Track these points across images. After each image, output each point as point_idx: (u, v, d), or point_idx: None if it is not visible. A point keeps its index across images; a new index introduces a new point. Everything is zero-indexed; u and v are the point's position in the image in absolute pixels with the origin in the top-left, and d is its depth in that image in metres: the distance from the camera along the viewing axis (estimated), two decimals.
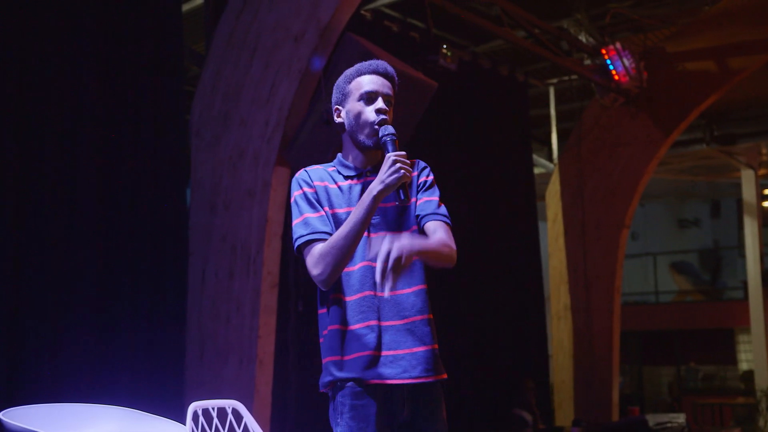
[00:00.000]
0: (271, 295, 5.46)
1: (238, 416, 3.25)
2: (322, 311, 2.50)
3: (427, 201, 2.56)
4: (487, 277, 8.56)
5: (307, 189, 2.48)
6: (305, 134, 5.30)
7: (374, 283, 2.36)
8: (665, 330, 15.41)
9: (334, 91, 2.59)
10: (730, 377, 15.54)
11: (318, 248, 2.38)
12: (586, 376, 9.44)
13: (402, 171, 2.32)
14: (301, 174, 2.52)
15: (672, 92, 8.91)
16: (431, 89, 5.51)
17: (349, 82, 2.53)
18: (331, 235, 2.40)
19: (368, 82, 2.50)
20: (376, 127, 2.46)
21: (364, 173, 2.53)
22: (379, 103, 2.48)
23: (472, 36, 8.57)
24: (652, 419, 7.64)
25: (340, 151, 2.61)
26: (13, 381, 4.57)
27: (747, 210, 13.24)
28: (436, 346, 2.49)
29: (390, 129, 2.44)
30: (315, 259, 2.38)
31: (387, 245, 2.23)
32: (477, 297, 8.38)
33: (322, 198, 2.48)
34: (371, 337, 2.38)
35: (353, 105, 2.50)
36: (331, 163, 2.59)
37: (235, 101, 5.61)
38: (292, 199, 2.50)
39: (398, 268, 2.23)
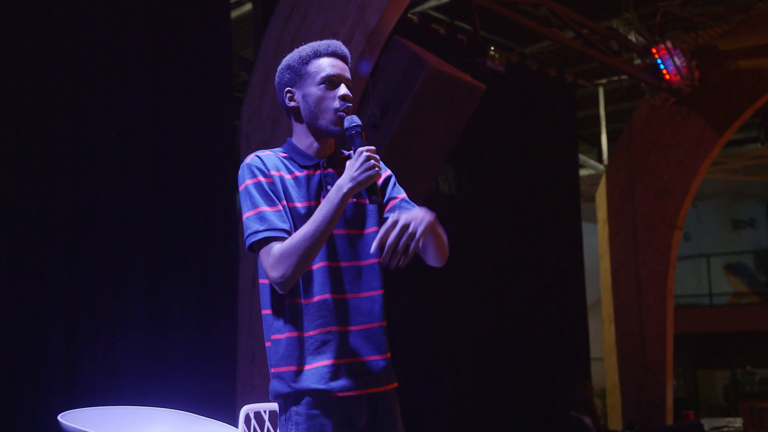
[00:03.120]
0: None
1: None
2: (269, 313, 2.27)
3: (403, 200, 2.37)
4: (530, 279, 8.50)
5: (262, 178, 2.22)
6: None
7: (333, 285, 2.23)
8: (720, 333, 15.13)
9: (284, 70, 2.35)
10: None
11: (278, 248, 2.14)
12: (638, 380, 9.32)
13: (375, 168, 2.16)
14: (253, 160, 2.26)
15: (725, 91, 8.76)
16: (479, 92, 5.49)
17: (306, 63, 2.31)
18: (289, 232, 2.18)
19: (329, 65, 2.30)
20: (341, 114, 2.27)
21: (321, 164, 2.31)
22: (343, 89, 2.28)
23: (520, 37, 8.52)
24: (707, 423, 7.51)
25: (289, 137, 2.40)
26: (69, 384, 4.65)
27: None
28: (389, 355, 2.32)
29: (357, 120, 2.26)
30: (274, 260, 2.14)
31: (397, 217, 2.10)
32: (520, 299, 8.32)
33: (279, 189, 2.24)
34: (331, 345, 2.20)
35: (312, 89, 2.29)
36: (281, 149, 2.35)
37: None
38: (242, 187, 2.24)
39: (410, 243, 2.08)
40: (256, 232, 2.17)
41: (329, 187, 2.27)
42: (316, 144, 2.33)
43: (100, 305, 4.89)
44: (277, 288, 2.18)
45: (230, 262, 5.69)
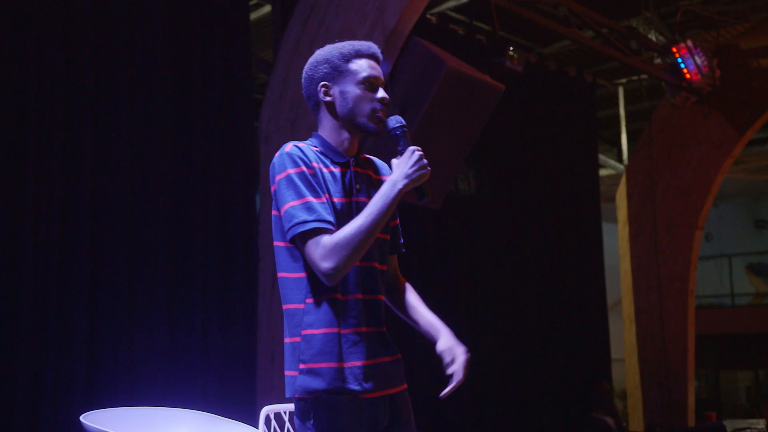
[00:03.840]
0: None
1: None
2: (296, 307, 2.24)
3: (398, 225, 2.47)
4: (550, 280, 8.47)
5: (305, 168, 2.22)
6: (372, 139, 5.31)
7: (364, 284, 2.25)
8: (742, 333, 15.00)
9: (320, 63, 2.36)
10: None
11: (328, 239, 2.13)
12: (659, 381, 9.26)
13: (427, 167, 2.22)
14: (293, 149, 2.26)
15: (746, 89, 8.69)
16: (498, 92, 5.47)
17: (347, 61, 2.33)
18: (335, 225, 2.18)
19: (370, 67, 2.34)
20: (378, 115, 2.31)
21: (350, 163, 2.33)
22: (382, 92, 2.33)
23: (539, 37, 8.49)
24: (730, 425, 7.46)
25: (314, 131, 2.41)
26: (91, 385, 4.69)
27: None
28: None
29: (401, 120, 2.32)
30: (326, 251, 2.12)
31: (459, 355, 2.31)
32: (540, 300, 8.30)
33: (321, 182, 2.23)
34: (360, 345, 2.21)
35: (351, 87, 2.30)
36: (311, 143, 2.35)
37: (303, 107, 5.66)
38: (283, 175, 2.22)
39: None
40: (305, 222, 2.15)
41: (358, 186, 2.30)
42: (347, 141, 2.34)
43: (122, 306, 4.92)
44: (324, 280, 2.16)
45: (250, 263, 5.71)
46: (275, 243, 2.31)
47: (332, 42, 2.42)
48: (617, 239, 9.85)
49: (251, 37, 6.11)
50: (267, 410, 3.18)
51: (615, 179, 10.51)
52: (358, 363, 2.19)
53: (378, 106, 2.31)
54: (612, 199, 10.38)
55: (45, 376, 4.52)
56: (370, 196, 2.27)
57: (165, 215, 5.21)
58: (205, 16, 5.62)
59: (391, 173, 2.34)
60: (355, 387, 2.17)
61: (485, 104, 5.42)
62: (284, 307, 2.28)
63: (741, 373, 15.71)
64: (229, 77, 5.72)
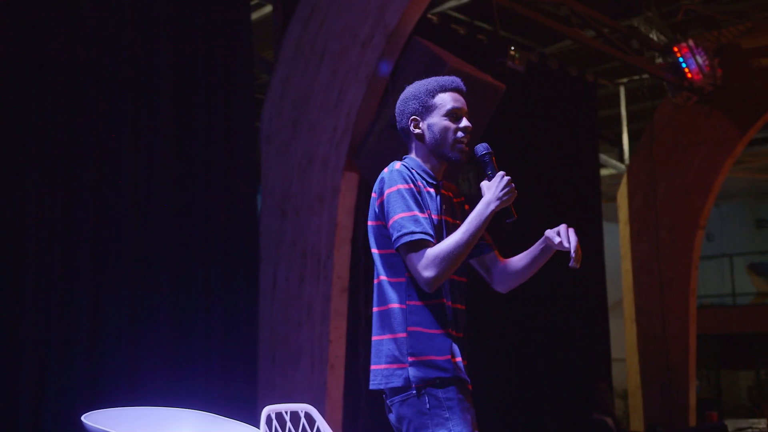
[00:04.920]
0: (341, 299, 5.49)
1: (310, 420, 3.28)
2: (399, 307, 2.48)
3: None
4: (550, 279, 8.46)
5: (412, 186, 2.51)
6: (373, 139, 5.32)
7: (454, 294, 2.54)
8: (744, 333, 14.99)
9: (410, 99, 2.62)
10: None
11: (431, 251, 2.42)
12: (660, 381, 9.25)
13: (515, 190, 2.53)
14: (402, 168, 2.54)
15: (748, 89, 8.68)
16: (499, 92, 5.47)
17: (433, 96, 2.60)
18: (434, 239, 2.45)
19: (453, 99, 2.59)
20: (460, 145, 2.59)
21: (439, 185, 2.62)
22: (465, 122, 2.59)
23: (540, 37, 8.49)
24: (731, 425, 7.46)
25: (406, 154, 2.67)
26: (94, 385, 4.69)
27: None
28: None
29: (487, 147, 2.59)
30: (428, 261, 2.41)
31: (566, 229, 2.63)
32: (540, 300, 8.29)
33: (423, 200, 2.52)
34: (457, 344, 2.50)
35: (438, 120, 2.58)
36: (408, 165, 2.60)
37: (304, 107, 5.66)
38: (393, 189, 2.48)
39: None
40: (412, 232, 2.43)
41: (444, 206, 2.60)
42: (436, 167, 2.63)
43: (125, 306, 4.92)
44: (424, 287, 2.43)
45: (252, 264, 5.71)
46: (373, 250, 2.56)
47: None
48: (618, 239, 9.85)
49: (252, 37, 6.11)
50: (268, 410, 3.18)
51: (616, 179, 10.50)
52: (459, 359, 2.49)
53: (461, 134, 2.59)
54: (613, 198, 10.38)
55: (47, 376, 4.53)
56: (452, 215, 2.62)
57: (167, 215, 5.22)
58: (207, 16, 5.63)
59: (459, 195, 2.73)
60: (463, 376, 2.48)
61: (487, 104, 5.42)
62: (381, 308, 2.52)
63: (742, 372, 15.70)
64: (230, 77, 5.73)
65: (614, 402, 8.42)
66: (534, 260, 2.73)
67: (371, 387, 2.53)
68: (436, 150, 2.59)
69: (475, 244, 2.50)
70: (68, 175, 4.78)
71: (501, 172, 2.53)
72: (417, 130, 2.61)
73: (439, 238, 2.48)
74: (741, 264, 16.87)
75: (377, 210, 2.52)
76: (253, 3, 6.48)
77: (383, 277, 2.52)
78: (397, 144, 5.15)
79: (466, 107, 2.63)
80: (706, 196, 9.15)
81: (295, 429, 3.22)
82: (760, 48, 8.57)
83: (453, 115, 2.58)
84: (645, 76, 8.82)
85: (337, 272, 5.46)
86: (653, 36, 8.13)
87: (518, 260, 2.74)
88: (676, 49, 7.93)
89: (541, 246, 2.70)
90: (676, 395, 9.16)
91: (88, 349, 4.70)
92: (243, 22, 5.90)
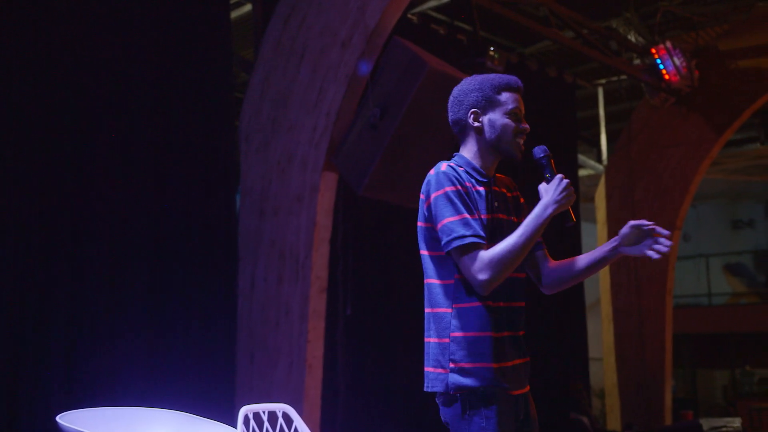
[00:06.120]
0: (319, 299, 5.49)
1: (288, 420, 3.27)
2: (445, 311, 2.47)
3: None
4: (528, 279, 8.50)
5: (460, 188, 2.46)
6: (353, 139, 5.31)
7: (507, 293, 2.48)
8: (719, 333, 15.12)
9: (472, 91, 2.58)
10: None
11: (485, 254, 2.39)
12: (637, 380, 9.32)
13: (574, 194, 2.50)
14: (448, 169, 2.49)
15: (724, 91, 8.76)
16: None
17: (498, 93, 2.58)
18: (486, 241, 2.42)
19: (517, 100, 2.60)
20: (520, 144, 2.59)
21: (491, 181, 2.59)
22: (525, 124, 2.60)
23: (520, 37, 8.52)
24: (706, 423, 7.52)
25: (456, 152, 2.64)
26: (70, 385, 4.66)
27: None
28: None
29: (546, 150, 2.59)
30: (483, 264, 2.38)
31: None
32: None
33: (472, 201, 2.48)
34: (507, 348, 2.46)
35: (500, 116, 2.56)
36: (456, 162, 2.57)
37: (284, 107, 5.65)
38: (440, 192, 2.45)
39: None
40: (463, 236, 2.39)
41: (496, 203, 2.55)
42: (490, 163, 2.60)
43: (102, 306, 4.89)
44: (479, 290, 2.40)
45: (230, 263, 5.70)
46: (422, 252, 2.54)
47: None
48: (596, 239, 9.90)
49: (232, 35, 6.09)
50: (246, 410, 3.17)
51: (594, 179, 10.56)
52: (505, 364, 2.44)
53: (521, 135, 2.59)
54: (591, 199, 10.44)
55: (23, 377, 4.49)
56: (506, 212, 2.57)
57: (145, 214, 5.19)
58: (186, 14, 5.60)
59: (515, 190, 2.69)
60: (504, 384, 2.42)
61: None
62: (431, 310, 2.51)
63: (718, 372, 15.84)
64: (209, 76, 5.70)
65: (591, 401, 8.46)
66: (596, 263, 2.61)
67: (425, 389, 2.52)
68: (495, 146, 2.57)
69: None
70: (45, 175, 4.74)
71: (559, 175, 2.52)
72: (476, 123, 2.58)
73: (491, 237, 2.45)
74: (717, 264, 17.02)
75: (426, 212, 2.49)
76: (232, 2, 6.46)
77: (432, 279, 2.51)
78: (376, 144, 5.16)
79: (524, 110, 2.63)
80: (683, 196, 9.23)
81: (272, 429, 3.22)
82: (737, 50, 8.64)
83: (515, 115, 2.58)
84: (623, 77, 8.87)
85: (315, 272, 5.45)
86: (631, 37, 8.18)
87: (576, 261, 2.64)
88: (654, 50, 7.98)
89: (610, 247, 2.59)
90: (652, 394, 9.23)
91: (64, 349, 4.67)
92: (222, 20, 5.88)
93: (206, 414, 3.26)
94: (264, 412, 3.24)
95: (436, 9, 7.66)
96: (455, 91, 2.63)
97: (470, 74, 5.60)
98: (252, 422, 3.16)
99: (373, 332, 6.90)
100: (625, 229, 2.57)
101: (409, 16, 7.16)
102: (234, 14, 6.79)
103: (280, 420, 3.25)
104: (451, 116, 2.62)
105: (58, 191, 4.79)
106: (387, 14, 5.26)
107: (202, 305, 5.47)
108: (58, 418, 2.77)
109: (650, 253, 2.60)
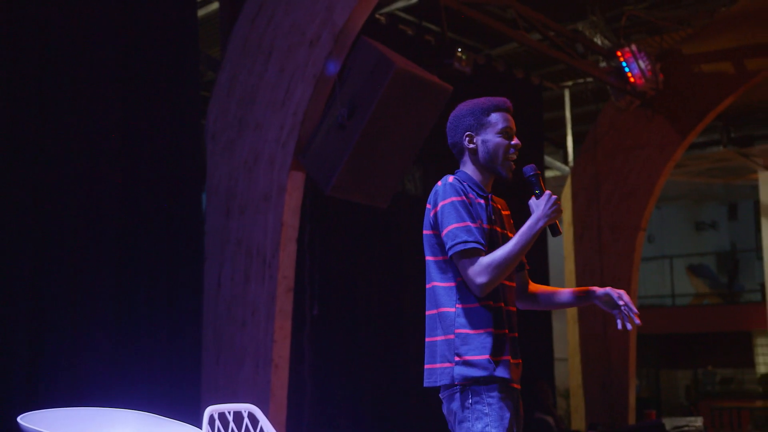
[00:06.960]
0: (286, 299, 5.47)
1: (254, 420, 3.26)
2: (449, 311, 2.68)
3: None
4: None
5: (465, 198, 2.70)
6: (320, 138, 5.31)
7: (506, 296, 2.73)
8: (682, 333, 15.31)
9: (465, 116, 2.83)
10: (747, 380, 15.43)
11: (484, 259, 2.62)
12: (601, 380, 9.40)
13: (561, 209, 2.74)
14: (455, 181, 2.74)
15: (688, 94, 8.87)
16: (446, 93, 5.50)
17: (488, 114, 2.82)
18: (486, 247, 2.65)
19: (507, 119, 2.82)
20: (510, 162, 2.81)
21: (489, 197, 2.82)
22: (515, 140, 2.82)
23: (487, 39, 8.56)
24: (669, 423, 7.60)
25: (456, 169, 2.87)
26: (32, 385, 4.60)
27: (765, 212, 13.16)
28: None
29: (534, 168, 2.80)
30: (481, 268, 2.61)
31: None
32: None
33: (475, 212, 2.71)
34: (507, 345, 2.70)
35: (492, 136, 2.80)
36: (459, 178, 2.79)
37: (251, 106, 5.62)
38: (447, 201, 2.68)
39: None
40: (466, 242, 2.63)
41: (494, 216, 2.79)
42: (486, 180, 2.85)
43: (65, 305, 4.83)
44: (476, 292, 2.64)
45: (196, 263, 5.66)
46: (427, 257, 2.75)
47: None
48: (562, 240, 9.98)
49: (199, 34, 6.05)
50: (211, 410, 3.15)
51: (560, 181, 10.64)
52: (506, 358, 2.68)
53: (512, 151, 2.82)
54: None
55: None
56: (501, 226, 2.81)
57: (110, 213, 5.14)
58: (153, 12, 5.56)
59: (507, 209, 2.94)
60: (506, 376, 2.66)
61: (433, 105, 5.45)
62: (435, 311, 2.73)
63: (680, 372, 16.04)
64: (176, 74, 5.66)
65: (556, 401, 8.51)
66: (570, 303, 2.98)
67: (425, 385, 2.73)
68: (488, 164, 2.81)
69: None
70: (8, 173, 4.67)
71: (548, 192, 2.74)
72: (471, 145, 2.81)
73: (489, 246, 2.66)
74: (680, 265, 17.23)
75: (432, 220, 2.72)
76: (199, 0, 6.42)
77: (435, 283, 2.72)
78: (343, 144, 5.16)
79: (515, 127, 2.85)
80: (648, 198, 9.33)
81: (238, 429, 3.20)
82: (700, 54, 8.76)
83: (506, 133, 2.80)
84: (589, 79, 8.95)
85: (282, 272, 5.43)
86: (597, 40, 8.25)
87: (553, 295, 2.97)
88: (619, 53, 8.06)
89: (583, 294, 2.93)
90: (616, 394, 9.31)
91: (26, 348, 4.61)
92: (189, 18, 5.84)
93: (172, 414, 3.24)
94: (230, 413, 3.22)
95: (405, 10, 7.67)
96: (451, 117, 2.88)
97: (438, 75, 5.66)
98: (217, 422, 3.14)
99: (340, 332, 6.89)
100: (602, 291, 2.91)
101: (377, 16, 7.17)
102: (201, 12, 6.75)
103: (246, 420, 3.24)
104: (449, 140, 2.87)
105: (21, 190, 4.73)
106: (355, 14, 5.26)
107: (168, 305, 5.43)
108: (19, 419, 2.74)
109: (618, 321, 2.93)
